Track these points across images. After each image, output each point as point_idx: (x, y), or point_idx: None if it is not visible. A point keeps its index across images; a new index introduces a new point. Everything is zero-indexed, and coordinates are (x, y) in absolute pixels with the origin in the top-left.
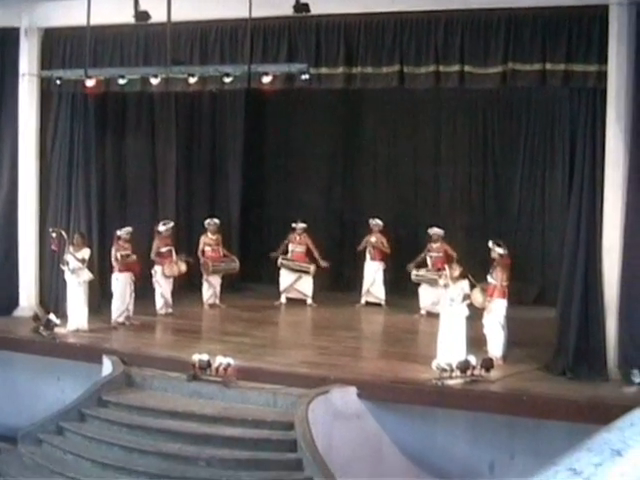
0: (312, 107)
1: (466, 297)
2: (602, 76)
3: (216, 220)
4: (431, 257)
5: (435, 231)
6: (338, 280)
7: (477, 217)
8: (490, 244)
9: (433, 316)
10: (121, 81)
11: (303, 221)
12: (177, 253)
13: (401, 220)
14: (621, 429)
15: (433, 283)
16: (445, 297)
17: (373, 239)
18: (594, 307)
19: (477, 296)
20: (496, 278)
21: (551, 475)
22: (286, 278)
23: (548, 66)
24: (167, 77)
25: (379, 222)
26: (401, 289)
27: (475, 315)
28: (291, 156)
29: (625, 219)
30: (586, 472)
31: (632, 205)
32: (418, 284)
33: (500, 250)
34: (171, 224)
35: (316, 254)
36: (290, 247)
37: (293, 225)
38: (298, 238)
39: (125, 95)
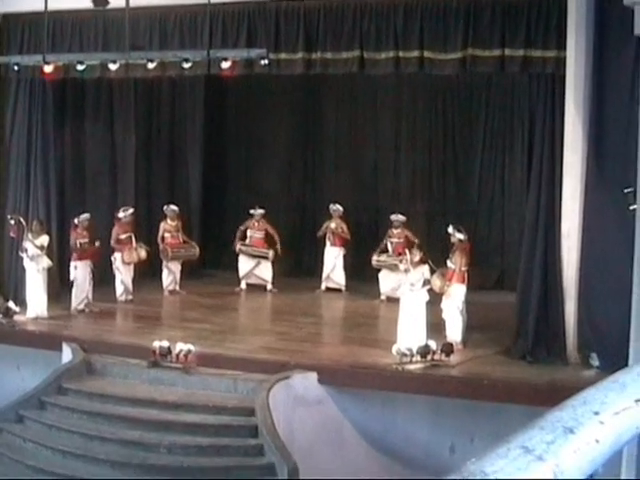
0: (272, 93)
1: (426, 282)
2: (561, 62)
3: (174, 207)
4: (392, 243)
5: (396, 217)
6: (298, 266)
7: (437, 203)
8: (450, 229)
9: (393, 301)
10: (80, 67)
11: (261, 207)
12: (137, 240)
13: (362, 206)
14: (574, 407)
15: (394, 268)
16: (405, 282)
17: (333, 225)
18: (553, 291)
19: (436, 281)
20: (455, 263)
21: (503, 453)
22: (245, 264)
23: (507, 52)
24: (126, 63)
25: (339, 207)
26: (361, 275)
27: (435, 300)
28: (251, 143)
29: (583, 203)
30: (538, 450)
31: (590, 189)
32: (378, 270)
33: (460, 235)
34: (131, 210)
35: (276, 237)
36: (249, 233)
37: (251, 211)
38: (257, 224)
39: (84, 81)
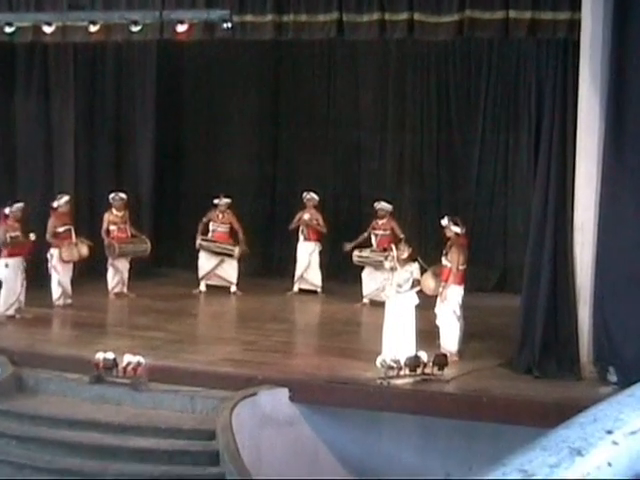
0: (237, 63)
1: (416, 283)
2: (574, 26)
3: (122, 195)
4: (376, 235)
5: (382, 206)
6: (267, 264)
7: (430, 190)
8: (444, 221)
9: (378, 305)
10: (8, 29)
11: (227, 196)
12: (77, 234)
13: (341, 193)
14: (582, 425)
15: (378, 266)
16: (392, 283)
17: (307, 216)
18: (564, 294)
19: (428, 282)
20: (451, 260)
21: (498, 477)
22: (206, 262)
23: (512, 14)
24: (64, 25)
25: (314, 196)
26: (341, 274)
27: (427, 304)
28: (213, 120)
29: (599, 192)
30: (539, 474)
31: (608, 176)
32: (361, 268)
33: (456, 228)
34: (66, 198)
35: (240, 235)
36: (211, 226)
37: (215, 201)
38: (221, 216)
39: (14, 46)
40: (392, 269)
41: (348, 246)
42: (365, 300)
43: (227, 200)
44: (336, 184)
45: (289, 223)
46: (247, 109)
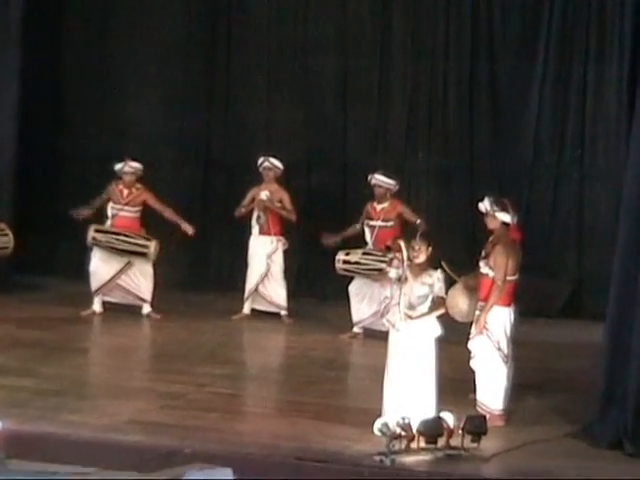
0: None
1: (438, 302)
2: None
3: None
4: (372, 228)
5: (380, 180)
6: (200, 271)
7: (458, 155)
8: (484, 205)
9: (376, 337)
10: None
11: (134, 159)
12: None
13: (319, 160)
14: None
15: (376, 276)
16: (399, 302)
17: (264, 195)
18: None
19: (459, 301)
20: (495, 267)
21: None
22: (103, 267)
23: None
24: None
25: (275, 164)
26: (318, 287)
27: (455, 335)
28: (113, 48)
29: None
30: None
31: None
32: (349, 279)
33: (503, 216)
34: None
35: (169, 215)
36: (111, 209)
37: (117, 168)
38: (126, 192)
39: None
40: (400, 280)
41: (329, 239)
42: (356, 329)
43: (135, 166)
44: (310, 145)
45: (236, 207)
46: (169, 35)
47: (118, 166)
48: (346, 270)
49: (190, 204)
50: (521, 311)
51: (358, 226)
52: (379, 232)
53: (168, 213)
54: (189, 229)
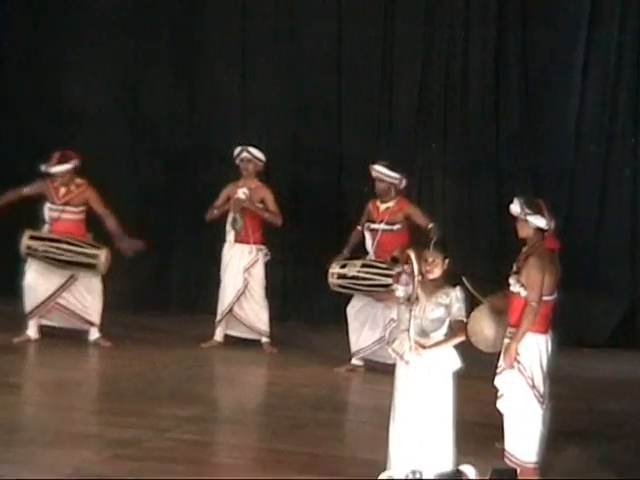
0: None
1: (458, 328)
2: None
3: None
4: (374, 231)
5: (381, 173)
6: (161, 288)
7: (482, 146)
8: (515, 208)
9: (379, 372)
10: None
11: (72, 149)
12: None
13: (309, 150)
14: None
15: (381, 294)
16: (409, 328)
17: (242, 193)
18: None
19: (483, 324)
20: (528, 284)
21: None
22: (41, 282)
23: None
24: None
25: (256, 154)
26: (309, 308)
27: (478, 368)
28: (58, 22)
29: None
30: None
31: None
32: (346, 298)
33: (538, 221)
34: None
35: (114, 227)
36: (48, 210)
37: (42, 169)
38: (63, 191)
39: None
40: (409, 300)
41: (338, 262)
42: (355, 361)
43: (69, 166)
44: (298, 132)
45: (206, 207)
46: None
47: (43, 167)
48: (342, 287)
49: (148, 203)
50: (561, 339)
51: (361, 228)
52: (382, 237)
53: (110, 222)
54: (132, 246)
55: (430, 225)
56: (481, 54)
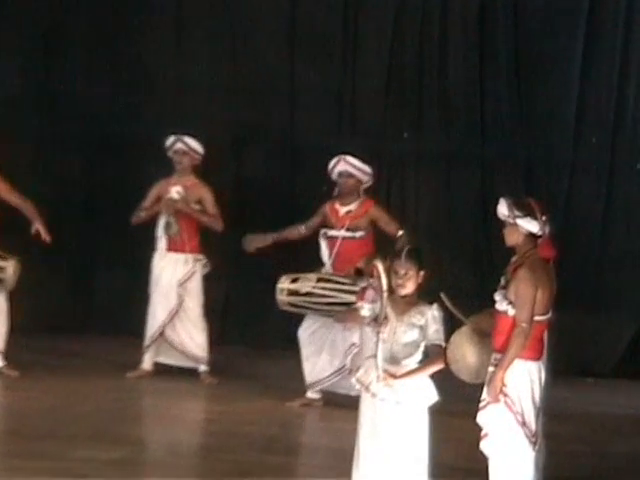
0: None
1: (434, 353)
2: None
3: None
4: (332, 239)
5: (352, 165)
6: (80, 303)
7: (463, 134)
8: (502, 209)
9: (340, 404)
10: None
11: None
12: None
13: (255, 140)
14: None
15: (341, 314)
16: (376, 352)
17: (175, 192)
18: None
19: (465, 349)
20: (517, 300)
21: None
22: None
23: None
24: None
25: (192, 145)
26: (254, 330)
27: (457, 403)
28: None
29: None
30: None
31: None
32: (299, 317)
33: (529, 224)
34: None
35: (32, 213)
36: None
37: None
38: None
39: None
40: (377, 321)
41: (253, 243)
42: (311, 394)
43: None
44: (241, 118)
45: (132, 208)
46: None
47: None
48: (294, 305)
49: (61, 202)
50: (558, 367)
51: (304, 229)
52: (343, 246)
53: (28, 208)
54: (47, 236)
55: (400, 233)
56: (462, 21)
